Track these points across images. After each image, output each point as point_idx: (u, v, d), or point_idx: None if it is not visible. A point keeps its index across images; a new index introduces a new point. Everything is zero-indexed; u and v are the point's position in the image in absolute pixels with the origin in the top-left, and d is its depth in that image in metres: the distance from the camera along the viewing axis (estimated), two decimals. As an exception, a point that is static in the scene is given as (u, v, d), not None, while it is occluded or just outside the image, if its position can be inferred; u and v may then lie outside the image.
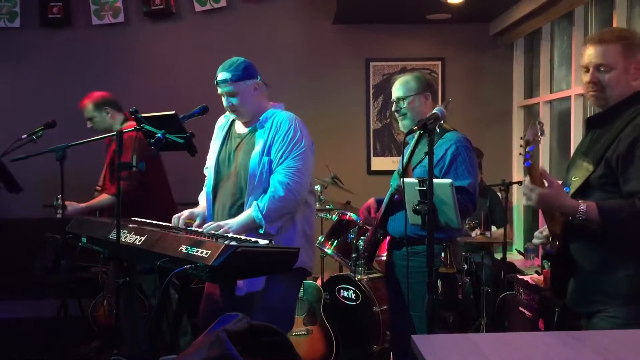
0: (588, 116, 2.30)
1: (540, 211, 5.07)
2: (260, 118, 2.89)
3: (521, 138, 2.12)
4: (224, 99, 2.90)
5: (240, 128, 2.99)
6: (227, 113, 3.00)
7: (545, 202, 2.10)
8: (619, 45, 2.15)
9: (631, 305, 2.07)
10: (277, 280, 2.79)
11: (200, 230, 2.79)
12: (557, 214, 2.17)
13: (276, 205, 2.75)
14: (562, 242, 2.19)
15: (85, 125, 4.00)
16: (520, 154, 2.13)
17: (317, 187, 4.45)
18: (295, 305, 3.09)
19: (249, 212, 2.76)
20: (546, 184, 2.11)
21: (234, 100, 2.86)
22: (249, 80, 2.85)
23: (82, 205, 3.77)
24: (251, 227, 2.76)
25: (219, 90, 2.89)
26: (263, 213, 2.73)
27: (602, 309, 2.12)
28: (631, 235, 2.06)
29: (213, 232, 2.66)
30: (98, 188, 3.94)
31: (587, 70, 2.20)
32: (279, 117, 2.86)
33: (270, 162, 2.80)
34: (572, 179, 2.20)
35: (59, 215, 3.61)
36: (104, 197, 3.76)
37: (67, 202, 3.66)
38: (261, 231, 2.75)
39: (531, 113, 5.60)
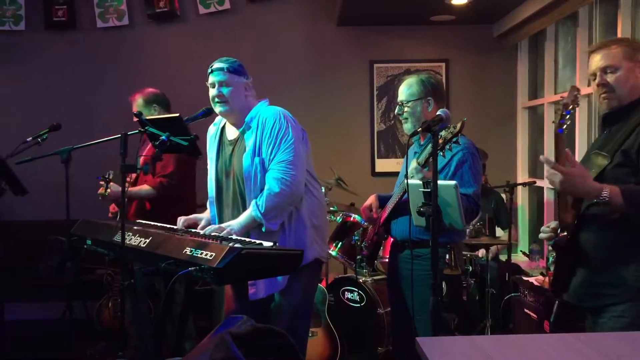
0: (604, 113, 2.31)
1: (545, 211, 5.08)
2: (247, 119, 2.88)
3: (559, 102, 2.10)
4: (213, 90, 2.87)
5: (231, 134, 2.98)
6: (216, 120, 3.00)
7: (569, 182, 2.05)
8: (621, 48, 2.24)
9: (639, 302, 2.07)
10: (296, 276, 2.79)
11: (203, 232, 2.79)
12: (570, 203, 2.16)
13: (274, 202, 2.75)
14: (572, 233, 2.18)
15: (90, 127, 4.01)
16: (553, 121, 2.09)
17: (322, 189, 4.44)
18: (314, 297, 3.13)
19: (249, 212, 2.77)
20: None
21: (225, 90, 2.84)
22: (242, 76, 2.88)
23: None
24: (253, 227, 2.77)
25: (211, 80, 2.86)
26: (262, 211, 2.74)
27: (609, 304, 2.11)
28: None
29: (216, 233, 2.67)
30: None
31: (595, 77, 2.26)
32: (263, 115, 2.85)
33: (263, 161, 2.80)
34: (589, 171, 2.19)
35: (101, 192, 3.55)
36: (144, 188, 3.73)
37: (111, 183, 3.62)
38: (263, 229, 2.76)
39: (536, 114, 5.59)
